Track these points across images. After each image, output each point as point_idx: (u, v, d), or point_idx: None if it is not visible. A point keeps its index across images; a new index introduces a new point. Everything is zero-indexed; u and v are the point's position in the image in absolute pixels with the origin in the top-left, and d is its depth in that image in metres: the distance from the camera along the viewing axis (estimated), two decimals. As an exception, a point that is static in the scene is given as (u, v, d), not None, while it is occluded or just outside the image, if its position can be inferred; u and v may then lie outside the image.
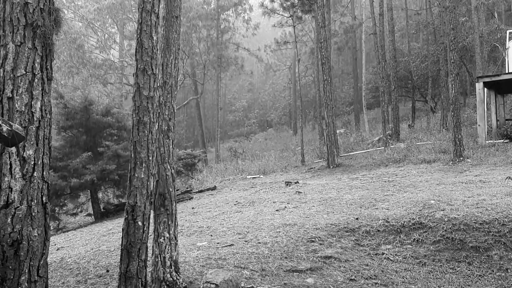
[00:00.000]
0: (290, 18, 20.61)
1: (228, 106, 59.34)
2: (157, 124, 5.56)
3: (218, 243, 7.31)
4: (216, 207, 10.75)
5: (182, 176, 18.33)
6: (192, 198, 13.64)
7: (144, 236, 3.64)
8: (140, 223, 3.54)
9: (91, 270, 6.39)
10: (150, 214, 3.76)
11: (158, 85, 5.64)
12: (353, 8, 36.61)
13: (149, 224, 3.79)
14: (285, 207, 9.56)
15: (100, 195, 15.61)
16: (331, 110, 16.61)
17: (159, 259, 5.26)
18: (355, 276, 5.96)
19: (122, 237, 3.63)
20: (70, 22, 34.07)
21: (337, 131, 27.12)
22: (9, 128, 1.77)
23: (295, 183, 12.72)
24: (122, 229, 3.62)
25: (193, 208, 11.20)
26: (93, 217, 14.98)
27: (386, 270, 6.17)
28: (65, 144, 14.38)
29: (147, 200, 3.67)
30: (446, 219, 7.05)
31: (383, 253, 6.74)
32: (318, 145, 24.56)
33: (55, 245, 9.41)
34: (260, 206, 10.07)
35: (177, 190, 15.31)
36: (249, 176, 17.17)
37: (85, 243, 8.85)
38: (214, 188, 15.13)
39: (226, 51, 32.69)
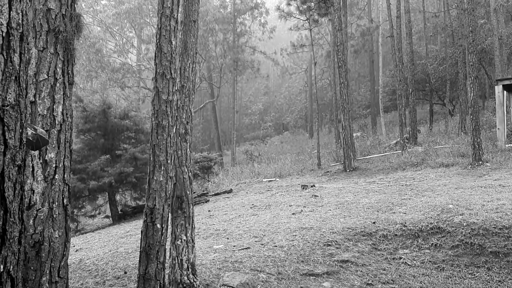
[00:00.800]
0: (306, 21, 20.59)
1: (244, 109, 59.46)
2: (175, 127, 5.62)
3: (234, 246, 7.34)
4: (232, 210, 10.78)
5: (199, 179, 18.41)
6: (208, 201, 13.70)
7: (162, 238, 3.67)
8: (158, 225, 3.58)
9: (109, 272, 6.46)
10: (168, 217, 3.79)
11: (176, 89, 5.71)
12: (370, 10, 36.41)
13: (167, 226, 3.83)
14: (302, 210, 9.54)
15: (117, 197, 15.77)
16: (348, 113, 16.54)
17: (177, 261, 5.30)
18: (372, 281, 5.92)
19: (141, 240, 3.67)
20: (89, 27, 34.55)
21: (354, 134, 26.98)
22: (34, 132, 1.82)
23: (311, 186, 12.69)
24: (141, 231, 3.66)
25: (209, 211, 11.25)
26: (110, 219, 15.14)
27: (404, 275, 6.12)
28: (83, 147, 14.57)
29: (166, 203, 3.71)
30: (465, 224, 6.97)
31: (400, 258, 6.69)
32: (335, 148, 24.45)
33: (73, 246, 9.54)
34: (276, 210, 10.07)
35: (193, 193, 15.44)
36: (265, 179, 17.17)
37: (103, 245, 8.95)
38: (230, 191, 15.16)
39: (242, 54, 32.78)
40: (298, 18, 22.53)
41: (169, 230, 5.57)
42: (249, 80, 41.47)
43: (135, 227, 10.99)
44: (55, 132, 3.45)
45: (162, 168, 3.67)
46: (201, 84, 33.00)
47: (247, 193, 14.15)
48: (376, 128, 33.03)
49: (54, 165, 3.41)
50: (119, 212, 14.94)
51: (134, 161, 13.78)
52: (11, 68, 1.53)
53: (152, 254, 3.52)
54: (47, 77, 3.45)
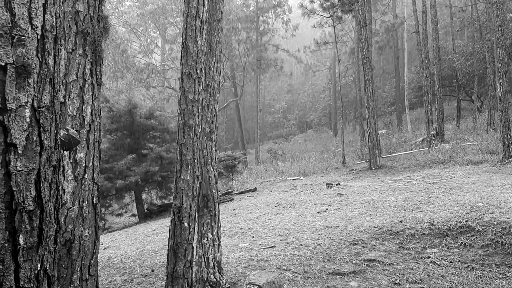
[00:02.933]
0: (330, 18, 20.43)
1: (267, 107, 59.43)
2: (200, 126, 5.66)
3: (259, 244, 7.34)
4: (257, 209, 10.79)
5: (223, 177, 18.49)
6: (233, 199, 13.75)
7: (190, 237, 3.70)
8: (186, 224, 3.60)
9: (137, 270, 6.55)
10: (195, 216, 3.82)
11: (201, 88, 5.74)
12: (395, 6, 35.91)
13: (194, 225, 3.85)
14: (327, 209, 9.48)
15: (144, 196, 15.98)
16: (373, 110, 16.35)
17: (203, 260, 5.33)
18: (399, 280, 5.84)
19: (168, 238, 3.71)
20: (115, 28, 35.05)
21: (379, 132, 26.67)
22: (66, 133, 1.85)
23: (336, 184, 12.60)
24: (169, 230, 3.70)
25: (234, 209, 11.29)
26: (137, 217, 15.35)
27: (432, 275, 6.01)
28: (110, 146, 14.81)
29: (193, 202, 3.73)
30: (495, 223, 6.81)
31: (428, 257, 6.57)
32: (359, 146, 24.21)
33: (102, 244, 9.71)
34: (301, 208, 10.03)
35: (218, 191, 15.52)
36: (289, 178, 17.13)
37: (130, 243, 9.08)
38: (255, 189, 15.18)
39: (265, 52, 32.74)
40: (322, 15, 22.38)
41: (196, 229, 5.61)
42: (272, 79, 41.44)
43: (161, 225, 11.11)
44: (84, 132, 3.50)
45: (189, 167, 3.69)
46: (224, 83, 33.12)
47: (271, 191, 14.14)
48: (401, 125, 32.57)
49: (83, 165, 3.47)
50: (145, 211, 15.13)
51: (160, 160, 13.93)
52: (46, 70, 1.56)
53: (180, 252, 3.55)
54: (76, 78, 3.51)
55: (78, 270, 3.36)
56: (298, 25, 35.69)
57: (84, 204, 3.44)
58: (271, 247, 7.14)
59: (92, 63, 3.61)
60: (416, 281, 5.79)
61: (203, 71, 5.76)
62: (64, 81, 3.51)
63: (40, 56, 1.53)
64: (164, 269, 6.54)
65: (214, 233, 5.46)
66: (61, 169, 3.42)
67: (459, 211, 7.61)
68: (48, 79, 1.54)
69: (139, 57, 36.23)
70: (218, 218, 5.59)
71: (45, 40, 1.54)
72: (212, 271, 5.35)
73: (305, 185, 14.21)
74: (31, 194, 1.41)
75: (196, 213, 5.33)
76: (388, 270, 6.15)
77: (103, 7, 3.72)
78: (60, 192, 3.39)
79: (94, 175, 3.56)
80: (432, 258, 6.56)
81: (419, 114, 35.30)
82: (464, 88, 29.36)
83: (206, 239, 5.38)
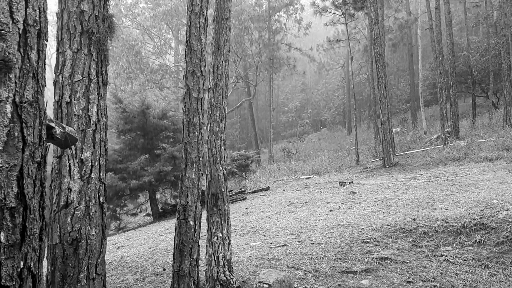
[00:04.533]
0: (342, 16, 20.29)
1: (281, 106, 59.27)
2: (209, 125, 5.65)
3: (271, 243, 7.32)
4: (269, 208, 10.76)
5: (236, 177, 18.49)
6: (245, 198, 13.74)
7: (196, 235, 3.69)
8: (191, 222, 3.59)
9: (149, 269, 6.58)
10: (201, 214, 3.80)
11: (210, 87, 5.74)
12: (408, 3, 35.51)
13: (200, 223, 3.84)
14: (339, 207, 9.41)
15: (158, 195, 16.06)
16: (386, 107, 16.19)
17: (213, 259, 5.32)
18: (412, 278, 5.76)
19: (174, 237, 3.70)
20: (128, 29, 35.31)
21: (393, 130, 26.41)
22: (62, 130, 1.84)
23: (350, 183, 12.50)
24: (175, 229, 3.69)
25: (246, 208, 11.28)
26: (151, 217, 15.43)
27: (446, 273, 5.92)
28: (124, 147, 14.91)
29: (198, 200, 3.72)
30: (510, 220, 6.68)
31: (442, 255, 6.48)
32: (373, 144, 24.01)
33: (115, 244, 9.78)
34: (313, 207, 9.97)
35: (231, 190, 15.52)
36: (303, 177, 17.06)
37: (143, 242, 9.13)
38: (268, 188, 15.15)
39: (278, 52, 32.64)
40: (334, 13, 22.24)
41: (205, 228, 5.61)
42: (286, 78, 41.29)
43: (174, 224, 11.15)
44: (90, 131, 3.52)
45: (194, 165, 3.68)
46: (237, 83, 33.14)
47: (284, 190, 14.10)
48: (416, 122, 32.20)
49: (90, 164, 3.49)
50: (160, 210, 15.20)
51: (173, 160, 13.98)
52: (28, 65, 1.54)
53: (186, 251, 3.54)
54: (81, 78, 3.53)
55: (85, 269, 3.37)
56: (310, 23, 35.50)
57: (90, 203, 3.46)
58: (283, 245, 7.11)
59: (97, 62, 3.62)
60: (429, 279, 5.71)
61: (211, 70, 5.77)
62: (69, 81, 3.53)
63: (22, 51, 1.51)
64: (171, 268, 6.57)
65: (224, 232, 5.45)
66: (66, 168, 3.45)
67: (474, 208, 7.49)
68: (31, 74, 1.53)
69: (153, 58, 36.43)
70: (228, 217, 5.57)
71: (27, 35, 1.53)
72: (222, 269, 5.34)
73: (318, 184, 14.14)
74: (13, 191, 1.40)
75: (206, 212, 5.32)
76: (401, 268, 6.08)
77: (108, 6, 3.73)
78: (63, 191, 3.41)
79: (101, 174, 3.57)
80: (446, 256, 6.46)
81: (434, 111, 34.88)
82: (480, 84, 28.91)
83: (216, 237, 5.37)
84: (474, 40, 32.72)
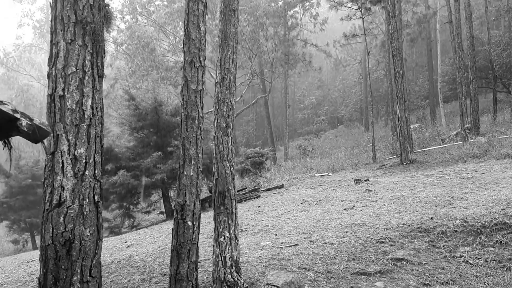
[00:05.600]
0: (358, 10, 19.89)
1: (297, 103, 58.84)
2: (216, 121, 5.44)
3: (282, 242, 7.10)
4: (282, 206, 10.53)
5: (250, 174, 18.30)
6: (259, 196, 13.53)
7: (194, 236, 3.49)
8: (189, 223, 3.39)
9: (156, 269, 6.42)
10: (200, 214, 3.59)
11: (217, 81, 5.53)
12: (427, -4, 34.81)
13: (199, 224, 3.63)
14: (354, 206, 9.14)
15: (171, 193, 15.96)
16: (404, 103, 15.80)
17: (220, 259, 5.13)
18: (429, 281, 5.48)
19: (172, 238, 3.51)
20: (144, 27, 35.33)
21: (411, 126, 25.91)
22: (29, 123, 1.66)
23: (365, 180, 12.19)
24: (172, 230, 3.50)
25: (259, 206, 11.07)
26: (164, 215, 15.34)
27: (465, 275, 5.63)
28: (137, 144, 14.84)
29: (197, 199, 3.51)
30: (534, 220, 6.34)
31: (461, 256, 6.17)
32: (391, 141, 23.56)
33: (126, 242, 9.68)
34: (327, 205, 9.72)
35: (244, 188, 15.33)
36: (318, 174, 16.78)
37: (153, 241, 8.99)
38: (282, 186, 14.92)
39: (293, 48, 32.29)
40: (350, 8, 21.84)
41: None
42: (302, 74, 40.87)
43: (185, 223, 11.02)
44: (85, 126, 3.34)
45: (193, 162, 3.47)
46: (252, 79, 32.89)
47: (298, 188, 13.85)
48: (435, 119, 31.57)
49: (84, 161, 3.31)
50: (173, 208, 15.10)
51: (185, 157, 13.83)
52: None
53: (184, 253, 3.34)
54: (75, 70, 3.35)
55: (79, 271, 3.20)
56: (326, 19, 35.05)
57: (84, 202, 3.28)
58: (294, 245, 6.88)
59: (92, 54, 3.45)
60: (447, 282, 5.43)
61: (219, 64, 5.56)
62: (63, 73, 3.35)
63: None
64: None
65: (231, 231, 5.25)
66: (59, 165, 3.27)
67: (495, 207, 7.16)
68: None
69: (168, 55, 36.42)
70: (236, 216, 5.37)
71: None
72: (229, 270, 5.14)
73: (333, 181, 13.85)
74: None
75: (213, 210, 5.12)
76: (417, 270, 5.80)
77: (104, -5, 3.55)
78: (56, 189, 3.24)
79: (96, 171, 3.39)
80: (465, 257, 6.15)
81: (453, 107, 34.15)
82: (501, 79, 28.17)
83: (223, 237, 5.17)
84: (496, 34, 31.90)
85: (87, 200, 3.29)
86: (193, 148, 3.51)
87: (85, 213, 3.27)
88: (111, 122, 19.76)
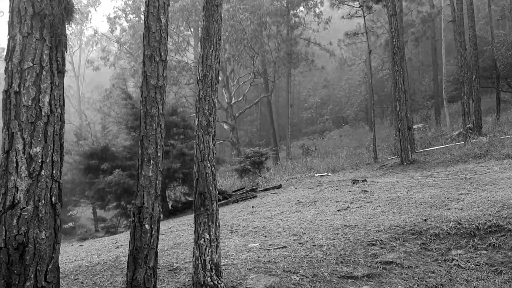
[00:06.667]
0: (360, 8, 19.65)
1: (302, 103, 58.61)
2: (197, 119, 5.28)
3: (270, 244, 6.92)
4: (276, 206, 10.35)
5: (250, 174, 18.12)
6: (256, 196, 13.36)
7: (152, 240, 3.32)
8: (147, 226, 3.23)
9: (139, 271, 6.26)
10: (159, 217, 3.42)
11: (198, 78, 5.37)
12: (432, -5, 34.47)
13: (158, 227, 3.46)
14: (348, 207, 8.94)
15: (169, 193, 15.83)
16: (404, 102, 15.56)
17: (199, 262, 4.97)
18: (418, 285, 5.29)
19: (129, 242, 3.34)
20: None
21: (415, 126, 25.62)
22: None
23: (363, 181, 11.97)
24: (130, 233, 3.33)
25: (253, 207, 10.89)
26: (162, 214, 15.20)
27: (455, 279, 5.42)
28: (134, 143, 14.71)
29: (156, 201, 3.34)
30: (529, 222, 6.12)
31: (453, 259, 5.96)
32: (393, 141, 23.30)
33: (116, 242, 9.55)
34: (321, 206, 9.52)
35: (242, 188, 15.17)
36: (317, 174, 16.57)
37: (142, 242, 8.83)
38: (280, 186, 14.74)
39: (296, 47, 32.06)
40: (351, 6, 21.60)
41: (192, 229, 5.24)
42: (305, 74, 40.69)
43: (178, 223, 10.88)
44: (41, 124, 3.18)
45: (151, 161, 3.31)
46: (255, 79, 32.69)
47: (296, 188, 13.66)
48: (440, 119, 31.26)
49: (40, 160, 3.15)
50: (170, 208, 14.97)
51: (182, 157, 13.71)
52: None
53: (140, 258, 3.17)
54: (32, 65, 3.19)
55: (32, 276, 3.04)
56: (330, 17, 34.72)
57: (40, 203, 3.12)
58: (282, 247, 6.70)
59: (51, 48, 3.28)
60: (436, 286, 5.23)
61: (201, 60, 5.41)
62: (19, 68, 3.20)
63: None
64: (167, 270, 6.24)
65: (211, 233, 5.08)
66: (13, 164, 3.11)
67: (490, 209, 6.94)
68: None
69: (171, 55, 36.30)
70: (217, 217, 5.20)
71: None
72: (209, 274, 4.98)
73: (332, 182, 13.64)
74: None
75: (194, 212, 4.95)
76: (406, 274, 5.60)
77: (64, -14, 3.39)
78: (9, 190, 3.08)
79: (54, 171, 3.23)
80: (457, 260, 5.94)
81: (458, 107, 33.75)
82: (506, 79, 27.79)
83: (202, 239, 5.01)
84: (501, 33, 31.48)
85: (43, 201, 3.13)
86: (152, 147, 3.35)
87: (40, 215, 3.11)
88: (109, 122, 19.66)
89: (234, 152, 31.03)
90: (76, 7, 3.22)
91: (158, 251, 7.51)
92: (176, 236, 8.87)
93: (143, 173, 3.33)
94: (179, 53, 36.19)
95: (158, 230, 3.46)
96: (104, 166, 13.65)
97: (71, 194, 18.86)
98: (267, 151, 19.23)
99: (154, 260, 3.38)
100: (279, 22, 31.72)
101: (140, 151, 3.41)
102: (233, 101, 33.07)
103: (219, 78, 33.24)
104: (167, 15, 3.43)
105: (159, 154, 3.45)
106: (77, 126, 32.51)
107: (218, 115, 38.33)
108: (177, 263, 6.35)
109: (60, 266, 7.83)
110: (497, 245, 5.99)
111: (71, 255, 9.21)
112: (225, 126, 33.30)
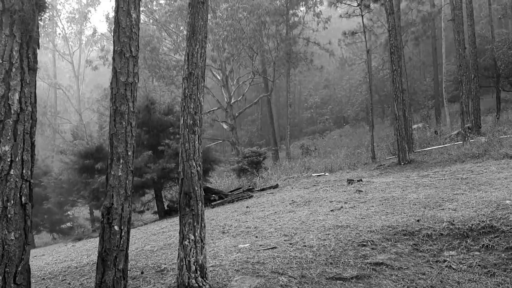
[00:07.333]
0: (358, 7, 19.55)
1: (303, 103, 58.47)
2: (182, 118, 5.20)
3: (260, 245, 6.83)
4: (270, 206, 10.27)
5: (247, 174, 18.03)
6: (252, 196, 13.27)
7: (122, 242, 3.23)
8: (116, 227, 3.14)
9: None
10: (130, 218, 3.34)
11: (184, 76, 5.29)
12: (432, -6, 34.32)
13: (129, 229, 3.37)
14: (342, 207, 8.85)
15: (165, 193, 15.75)
16: (401, 102, 15.47)
17: (184, 263, 4.90)
18: (408, 287, 5.20)
19: (98, 244, 3.26)
20: (145, 26, 35.13)
21: (415, 126, 25.50)
22: None
23: (358, 181, 11.87)
24: (99, 234, 3.25)
25: (247, 207, 10.81)
26: (157, 214, 15.14)
27: (446, 281, 5.33)
28: (130, 143, 14.61)
29: (126, 201, 3.26)
30: (522, 223, 6.02)
31: (444, 261, 5.86)
32: (392, 140, 23.18)
33: (108, 243, 9.45)
34: (315, 206, 9.43)
35: (239, 188, 15.08)
36: (314, 174, 16.48)
37: (134, 242, 8.77)
38: (276, 186, 14.65)
39: (295, 46, 31.95)
40: (349, 5, 21.50)
41: (177, 229, 5.17)
42: (305, 73, 40.60)
43: (172, 223, 10.79)
44: (11, 122, 3.10)
45: (121, 161, 3.22)
46: (254, 78, 32.59)
47: (292, 188, 13.57)
48: (440, 118, 31.12)
49: (9, 159, 3.07)
50: (165, 208, 14.90)
51: (177, 157, 13.60)
52: None
53: (109, 260, 3.09)
54: (1, 61, 3.11)
55: (1, 278, 2.96)
56: (330, 17, 34.57)
57: (9, 204, 3.04)
58: (272, 248, 6.61)
59: (21, 44, 3.20)
60: (426, 288, 5.13)
61: (186, 58, 5.33)
62: (-13, 65, 3.11)
63: None
64: (154, 272, 6.15)
65: (196, 234, 5.01)
66: (-21, 164, 3.03)
67: (484, 209, 6.84)
68: None
69: (171, 55, 36.20)
70: (202, 218, 5.12)
71: None
72: (193, 275, 4.90)
73: (328, 181, 13.55)
74: None
75: (179, 212, 4.86)
76: (396, 275, 5.50)
77: (36, -19, 3.30)
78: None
79: (24, 171, 3.14)
80: (449, 261, 5.84)
81: (459, 107, 33.63)
82: (507, 78, 27.60)
83: (187, 240, 4.94)
84: (502, 32, 31.29)
85: (12, 201, 3.05)
86: (122, 146, 3.26)
87: (9, 215, 3.03)
88: (105, 121, 19.57)
89: (234, 152, 30.96)
90: (48, 3, 3.14)
91: (147, 252, 7.48)
92: (167, 236, 8.79)
93: (113, 173, 3.25)
94: (178, 53, 36.11)
95: (128, 232, 3.37)
96: (98, 166, 13.57)
97: (67, 194, 18.80)
98: (265, 150, 19.16)
99: (124, 262, 3.30)
100: (278, 21, 31.62)
101: (110, 150, 3.32)
102: (232, 101, 33.00)
103: (218, 77, 33.11)
104: (139, 10, 3.35)
105: (129, 153, 3.36)
106: (75, 125, 32.44)
107: (217, 114, 38.23)
108: (165, 264, 6.28)
109: (49, 266, 7.75)
110: (490, 246, 5.89)
111: (62, 255, 9.15)
112: (225, 126, 33.22)
